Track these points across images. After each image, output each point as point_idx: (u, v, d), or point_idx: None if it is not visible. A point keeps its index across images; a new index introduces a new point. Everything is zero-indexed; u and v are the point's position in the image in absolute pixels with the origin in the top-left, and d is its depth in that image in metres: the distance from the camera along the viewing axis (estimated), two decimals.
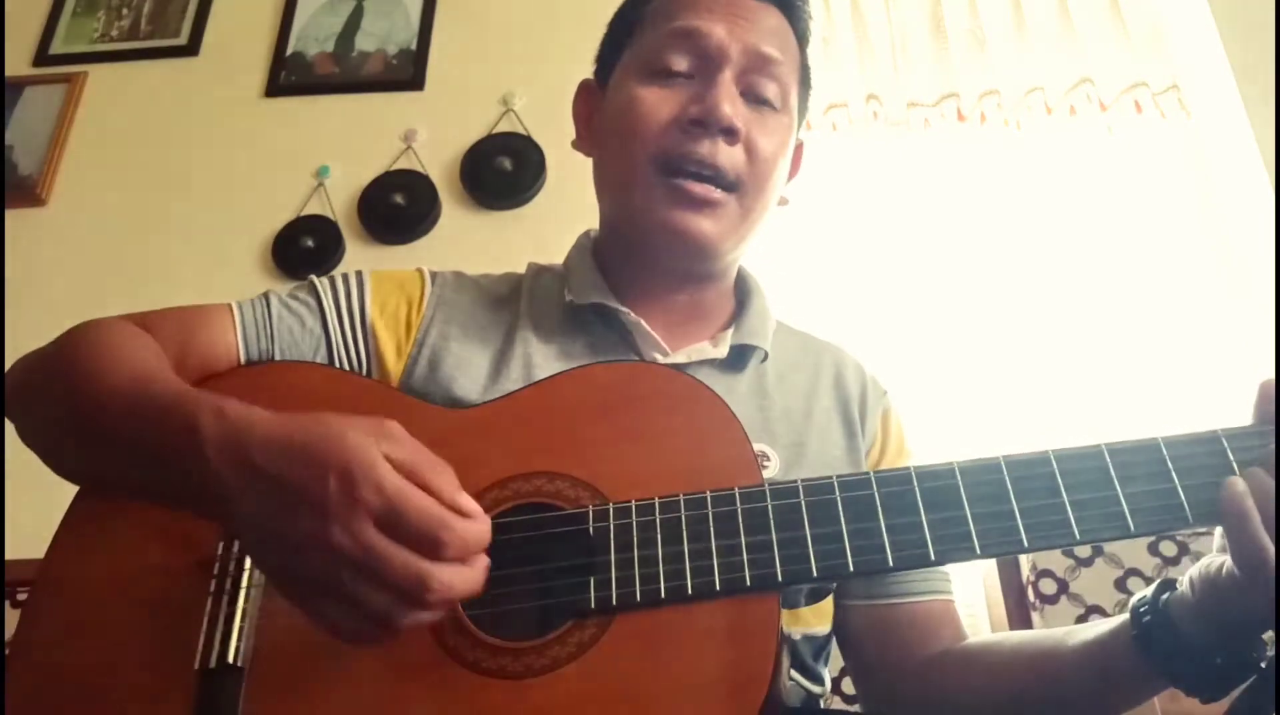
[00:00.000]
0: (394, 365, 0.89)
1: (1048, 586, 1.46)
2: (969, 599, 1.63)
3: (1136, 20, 2.15)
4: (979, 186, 2.15)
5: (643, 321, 0.92)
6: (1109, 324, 1.99)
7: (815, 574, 0.69)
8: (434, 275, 0.98)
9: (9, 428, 0.81)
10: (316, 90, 2.30)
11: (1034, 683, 0.81)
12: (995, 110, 2.11)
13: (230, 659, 0.69)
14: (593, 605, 0.69)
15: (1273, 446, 0.67)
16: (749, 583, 0.68)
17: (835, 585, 0.92)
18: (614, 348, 0.93)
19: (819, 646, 0.92)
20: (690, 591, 0.69)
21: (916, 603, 0.92)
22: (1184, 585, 0.71)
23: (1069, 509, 0.68)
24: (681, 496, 0.72)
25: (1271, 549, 0.63)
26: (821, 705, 0.92)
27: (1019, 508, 0.68)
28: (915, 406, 1.50)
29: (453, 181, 2.16)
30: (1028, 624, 1.45)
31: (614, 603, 0.69)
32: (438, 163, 2.18)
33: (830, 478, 0.72)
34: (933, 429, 1.83)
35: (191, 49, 2.37)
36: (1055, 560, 1.48)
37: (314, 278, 0.94)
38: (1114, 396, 1.92)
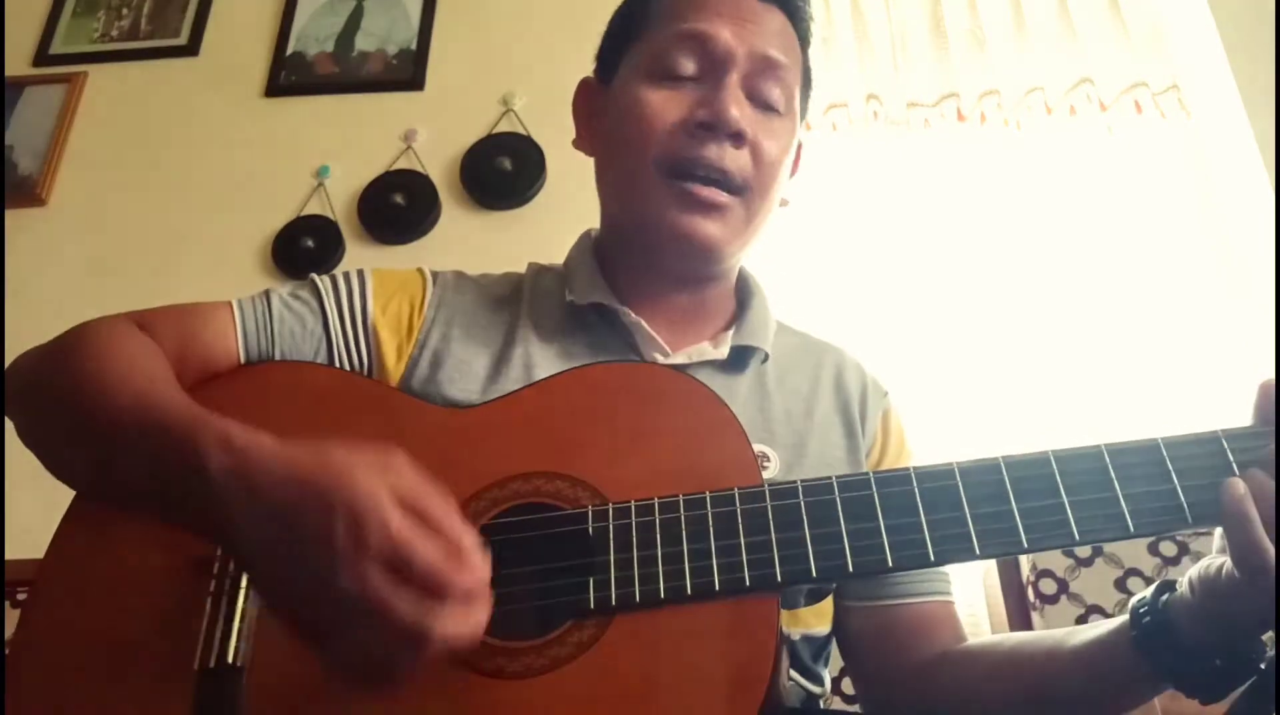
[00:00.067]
0: (394, 366, 0.89)
1: (1048, 586, 1.46)
2: (969, 599, 1.63)
3: (1136, 20, 2.15)
4: (979, 187, 2.15)
5: (643, 322, 0.92)
6: (1109, 324, 1.99)
7: (814, 575, 0.69)
8: (435, 275, 0.98)
9: (9, 428, 0.81)
10: (316, 90, 2.30)
11: (1033, 684, 0.81)
12: (995, 110, 2.11)
13: (230, 659, 0.69)
14: (592, 605, 0.69)
15: (1273, 447, 0.67)
16: (748, 583, 0.68)
17: (835, 586, 0.92)
18: (615, 348, 0.93)
19: (819, 647, 0.92)
20: (689, 592, 0.69)
21: (916, 604, 0.92)
22: (1183, 586, 0.71)
23: (1068, 509, 0.68)
24: (681, 497, 0.72)
25: (1272, 551, 0.63)
26: (821, 705, 0.92)
27: (1018, 508, 0.68)
28: (915, 407, 1.50)
29: (453, 181, 2.16)
30: (1028, 624, 1.45)
31: (613, 603, 0.69)
32: (438, 163, 2.18)
33: (830, 478, 0.72)
34: (933, 429, 1.83)
35: (191, 49, 2.38)
36: (1055, 560, 1.48)
37: (315, 276, 0.94)
38: (1114, 396, 1.92)
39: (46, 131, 2.26)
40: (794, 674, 0.88)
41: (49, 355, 0.81)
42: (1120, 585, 1.45)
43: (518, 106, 2.20)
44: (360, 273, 0.94)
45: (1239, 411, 0.72)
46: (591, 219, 1.04)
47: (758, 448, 0.77)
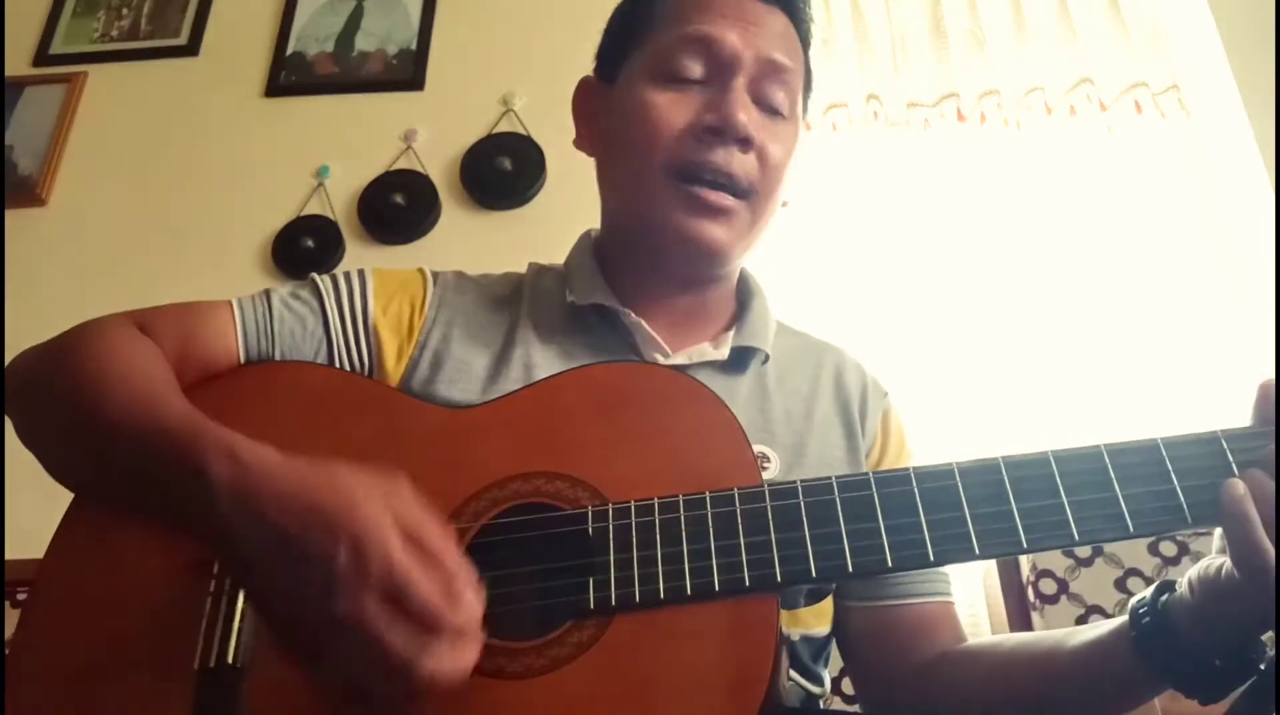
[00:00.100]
0: (394, 367, 0.89)
1: (1048, 586, 1.46)
2: (969, 599, 1.63)
3: (1136, 20, 2.15)
4: (979, 187, 2.15)
5: (644, 322, 0.92)
6: (1109, 324, 1.99)
7: (814, 575, 0.69)
8: (435, 276, 0.98)
9: (9, 428, 0.81)
10: (316, 90, 2.30)
11: (1033, 684, 0.81)
12: (995, 110, 2.11)
13: (230, 659, 0.69)
14: (592, 606, 0.69)
15: (1273, 447, 0.67)
16: (748, 584, 0.68)
17: (834, 586, 0.92)
18: (615, 348, 0.93)
19: (818, 647, 0.92)
20: (689, 592, 0.68)
21: (916, 604, 0.92)
22: (1183, 586, 0.71)
23: (1068, 510, 0.68)
24: (681, 497, 0.72)
25: (1272, 551, 0.63)
26: (821, 705, 0.92)
27: (1018, 509, 0.68)
28: (915, 407, 1.50)
29: (453, 181, 2.17)
30: (1028, 624, 1.45)
31: (613, 603, 0.69)
32: (438, 163, 2.18)
33: (829, 478, 0.72)
34: (933, 429, 1.83)
35: (191, 49, 2.38)
36: (1055, 560, 1.48)
37: (316, 276, 0.94)
38: (1114, 396, 1.92)
39: (46, 131, 2.26)
40: (794, 674, 0.88)
41: (49, 354, 0.81)
42: (1120, 585, 1.45)
43: (518, 106, 2.20)
44: (361, 273, 0.94)
45: (1239, 411, 0.72)
46: (592, 219, 1.04)
47: (758, 448, 0.78)
